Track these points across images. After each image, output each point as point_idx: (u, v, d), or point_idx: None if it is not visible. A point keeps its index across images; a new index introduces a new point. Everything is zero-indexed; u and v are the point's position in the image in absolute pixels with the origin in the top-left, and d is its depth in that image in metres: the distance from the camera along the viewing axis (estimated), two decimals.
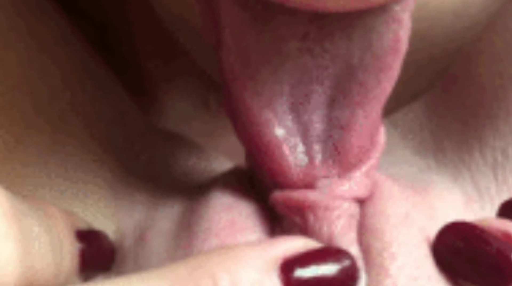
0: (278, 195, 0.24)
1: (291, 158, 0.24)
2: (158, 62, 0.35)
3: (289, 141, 0.24)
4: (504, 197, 0.25)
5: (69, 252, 0.23)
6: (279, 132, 0.23)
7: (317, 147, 0.24)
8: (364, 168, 0.24)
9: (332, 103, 0.24)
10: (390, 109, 0.28)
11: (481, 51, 0.28)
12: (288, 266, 0.20)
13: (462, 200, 0.26)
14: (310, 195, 0.23)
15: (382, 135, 0.25)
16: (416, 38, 0.24)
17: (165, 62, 0.35)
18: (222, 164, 0.29)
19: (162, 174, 0.29)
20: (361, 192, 0.24)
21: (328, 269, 0.21)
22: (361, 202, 0.24)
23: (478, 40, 0.29)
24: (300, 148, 0.24)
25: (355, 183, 0.24)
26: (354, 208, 0.24)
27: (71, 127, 0.28)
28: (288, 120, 0.24)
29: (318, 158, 0.24)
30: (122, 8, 0.35)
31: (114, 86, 0.31)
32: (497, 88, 0.27)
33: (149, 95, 0.35)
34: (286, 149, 0.24)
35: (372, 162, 0.24)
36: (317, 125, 0.24)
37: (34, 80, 0.28)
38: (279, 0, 0.20)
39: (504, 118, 0.27)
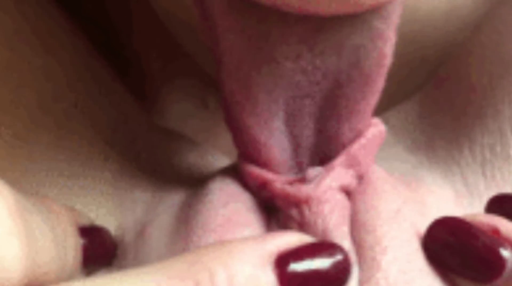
0: (271, 188, 0.24)
1: (284, 171, 0.24)
2: (159, 63, 0.35)
3: (282, 155, 0.24)
4: (492, 193, 0.25)
5: (72, 247, 0.23)
6: (274, 148, 0.24)
7: (306, 160, 0.24)
8: (344, 157, 0.24)
9: (321, 116, 0.24)
10: (383, 108, 0.28)
11: (470, 52, 0.28)
12: (282, 261, 0.20)
13: (452, 196, 0.26)
14: (303, 189, 0.24)
15: (370, 129, 0.25)
16: (408, 40, 0.24)
17: (166, 63, 0.35)
18: (220, 161, 0.29)
19: (162, 171, 0.29)
20: (348, 180, 0.24)
21: (321, 263, 0.21)
22: (351, 194, 0.24)
23: (467, 41, 0.29)
24: (292, 162, 0.25)
25: (338, 173, 0.24)
26: (345, 201, 0.24)
27: (75, 126, 0.28)
28: (283, 135, 0.24)
29: (306, 167, 0.25)
30: (125, 12, 0.35)
31: (117, 86, 0.31)
32: (486, 87, 0.27)
33: (150, 95, 0.35)
34: (280, 163, 0.24)
35: (353, 149, 0.25)
36: (308, 139, 0.24)
37: (39, 80, 0.28)
38: (273, 3, 0.20)
39: (492, 117, 0.27)
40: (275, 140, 0.24)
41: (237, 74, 0.23)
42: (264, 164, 0.24)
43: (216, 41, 0.23)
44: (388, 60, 0.23)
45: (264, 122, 0.23)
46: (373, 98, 0.24)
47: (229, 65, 0.23)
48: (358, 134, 0.24)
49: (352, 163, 0.24)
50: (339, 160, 0.24)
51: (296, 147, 0.24)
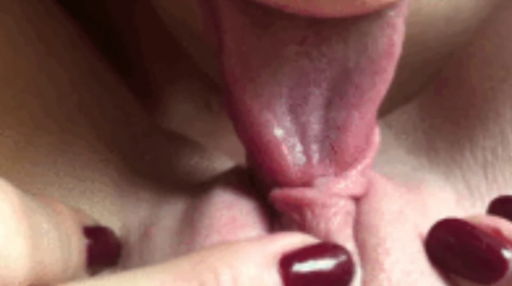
0: (277, 193, 0.24)
1: (289, 158, 0.24)
2: (162, 65, 0.35)
3: (287, 141, 0.24)
4: (494, 195, 0.25)
5: (76, 247, 0.23)
6: (278, 132, 0.23)
7: (314, 147, 0.24)
8: (359, 167, 0.24)
9: (329, 104, 0.24)
10: (385, 110, 0.28)
11: (472, 55, 0.28)
12: (286, 261, 0.20)
13: (454, 198, 0.26)
14: (308, 193, 0.23)
15: (376, 135, 0.25)
16: (409, 42, 0.24)
17: (168, 65, 0.35)
18: (223, 163, 0.29)
19: (166, 173, 0.28)
20: (357, 190, 0.24)
21: (325, 264, 0.21)
22: (357, 199, 0.24)
23: (469, 44, 0.29)
24: (298, 148, 0.24)
25: (351, 182, 0.24)
26: (350, 206, 0.24)
27: (78, 128, 0.28)
28: (287, 121, 0.24)
29: (316, 157, 0.24)
30: (128, 14, 0.35)
31: (120, 88, 0.31)
32: (487, 90, 0.27)
33: (153, 97, 0.35)
34: (284, 149, 0.24)
35: (367, 161, 0.24)
36: (315, 126, 0.24)
37: (43, 83, 0.28)
38: (278, 5, 0.20)
39: (494, 119, 0.27)
40: (278, 123, 0.23)
41: (238, 52, 0.23)
42: (266, 150, 0.24)
43: (219, 21, 0.23)
44: (397, 49, 0.23)
45: (266, 104, 0.23)
46: (383, 87, 0.23)
47: (230, 42, 0.23)
48: (368, 123, 0.24)
49: (366, 173, 0.24)
50: (355, 170, 0.24)
51: (302, 134, 0.24)
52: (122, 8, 0.35)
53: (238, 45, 0.23)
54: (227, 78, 0.23)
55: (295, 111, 0.24)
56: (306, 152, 0.24)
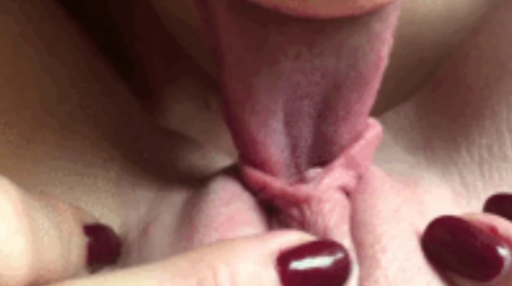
0: (275, 189, 0.24)
1: (281, 172, 0.24)
2: (162, 65, 0.35)
3: (281, 155, 0.24)
4: (490, 192, 0.25)
5: (77, 245, 0.23)
6: (272, 147, 0.24)
7: (304, 161, 0.24)
8: (343, 159, 0.24)
9: (319, 117, 0.24)
10: (382, 109, 0.28)
11: (468, 54, 0.28)
12: (284, 259, 0.20)
13: (450, 196, 0.26)
14: (303, 188, 0.23)
15: (369, 129, 0.25)
16: (406, 42, 0.24)
17: (168, 65, 0.35)
18: (221, 161, 0.29)
19: (165, 171, 0.28)
20: (348, 180, 0.24)
21: (322, 261, 0.21)
22: (352, 196, 0.24)
23: (465, 43, 0.29)
24: (291, 162, 0.24)
25: (338, 173, 0.24)
26: (345, 200, 0.24)
27: (79, 127, 0.28)
28: (282, 135, 0.24)
29: (306, 170, 0.24)
30: (128, 14, 0.35)
31: (120, 87, 0.31)
32: (483, 89, 0.27)
33: (153, 96, 0.35)
34: (278, 165, 0.24)
35: (351, 152, 0.24)
36: (307, 140, 0.24)
37: (44, 82, 0.28)
38: (273, 6, 0.20)
39: (490, 118, 0.27)
40: (274, 140, 0.24)
41: (237, 73, 0.23)
42: (262, 163, 0.24)
43: (217, 41, 0.23)
44: (384, 62, 0.23)
45: (263, 122, 0.23)
46: (369, 99, 0.23)
47: (230, 65, 0.23)
48: (356, 135, 0.24)
49: (351, 164, 0.24)
50: (339, 161, 0.24)
51: (294, 147, 0.24)
52: (123, 9, 0.35)
53: (238, 68, 0.23)
54: (227, 96, 0.24)
55: (289, 124, 0.24)
56: (297, 166, 0.24)
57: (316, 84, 0.23)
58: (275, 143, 0.24)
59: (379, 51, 0.22)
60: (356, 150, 0.24)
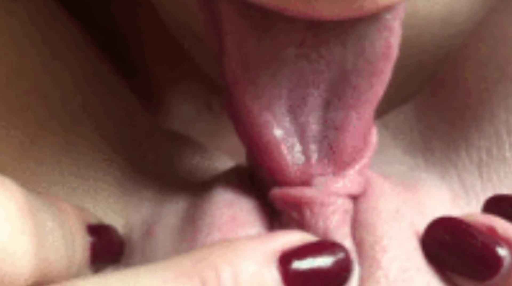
0: (277, 191, 0.24)
1: (288, 158, 0.24)
2: (164, 67, 0.35)
3: (287, 141, 0.24)
4: (489, 193, 0.25)
5: (80, 245, 0.23)
6: (278, 132, 0.23)
7: (313, 147, 0.24)
8: (357, 167, 0.24)
9: (327, 105, 0.24)
10: (382, 111, 0.28)
11: (467, 57, 0.28)
12: (286, 259, 0.21)
13: (449, 197, 0.26)
14: (307, 192, 0.23)
15: (374, 136, 0.25)
16: (406, 44, 0.24)
17: (170, 67, 0.35)
18: (224, 162, 0.29)
19: (168, 172, 0.28)
20: (355, 189, 0.24)
21: (323, 261, 0.21)
22: (355, 198, 0.24)
23: (464, 46, 0.29)
24: (297, 147, 0.24)
25: (349, 181, 0.24)
26: (348, 204, 0.24)
27: (82, 128, 0.28)
28: (286, 121, 0.24)
29: (314, 157, 0.24)
30: (130, 17, 0.35)
31: (123, 89, 0.31)
32: (482, 91, 0.27)
33: (155, 98, 0.35)
34: (284, 149, 0.24)
35: (364, 160, 0.24)
36: (313, 126, 0.24)
37: (47, 84, 0.28)
38: (278, 8, 0.20)
39: (488, 120, 0.27)
40: (277, 123, 0.23)
41: (238, 54, 0.23)
42: (267, 150, 0.24)
43: (219, 24, 0.23)
44: (394, 51, 0.23)
45: (266, 105, 0.23)
46: (381, 88, 0.23)
47: (231, 45, 0.23)
48: (366, 124, 0.24)
49: (364, 172, 0.24)
50: (354, 170, 0.24)
51: (301, 134, 0.24)
52: (125, 11, 0.35)
53: (238, 48, 0.23)
54: (228, 79, 0.23)
55: (294, 111, 0.24)
56: (305, 152, 0.24)
57: (321, 72, 0.23)
58: (278, 127, 0.23)
59: (388, 40, 0.22)
60: (369, 157, 0.24)
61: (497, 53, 0.27)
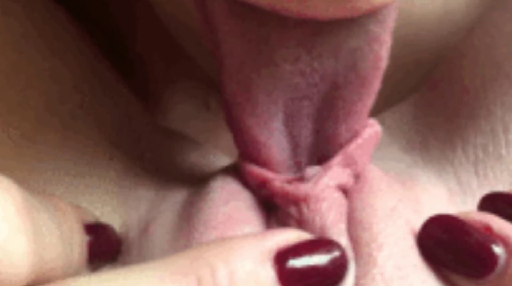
0: (270, 186, 0.24)
1: (282, 171, 0.24)
2: (162, 65, 0.35)
3: (282, 155, 0.24)
4: (485, 191, 0.25)
5: (78, 244, 0.23)
6: (273, 147, 0.24)
7: (305, 159, 0.24)
8: (340, 158, 0.24)
9: (319, 117, 0.24)
10: (379, 109, 0.28)
11: (463, 55, 0.28)
12: (281, 257, 0.20)
13: (446, 194, 0.26)
14: (301, 187, 0.24)
15: (365, 128, 0.25)
16: (403, 43, 0.24)
17: (168, 66, 0.35)
18: (221, 160, 0.29)
19: (165, 170, 0.28)
20: (345, 180, 0.24)
21: (319, 259, 0.21)
22: (349, 194, 0.24)
23: (460, 44, 0.29)
24: (291, 161, 0.24)
25: (335, 172, 0.24)
26: (342, 199, 0.24)
27: (81, 126, 0.28)
28: (282, 136, 0.24)
29: (305, 167, 0.25)
30: (129, 16, 0.35)
31: (121, 88, 0.31)
32: (479, 89, 0.27)
33: (153, 96, 0.35)
34: (280, 165, 0.24)
35: (348, 151, 0.24)
36: (306, 139, 0.24)
37: (46, 82, 0.28)
38: (272, 8, 0.20)
39: (485, 118, 0.27)
40: (274, 140, 0.24)
41: (237, 76, 0.23)
42: (263, 163, 0.24)
43: (218, 44, 0.23)
44: (383, 63, 0.23)
45: (264, 123, 0.23)
46: (369, 99, 0.24)
47: (230, 67, 0.23)
48: (355, 134, 0.24)
49: (349, 163, 0.24)
50: (337, 160, 0.24)
51: (294, 147, 0.24)
52: (124, 10, 0.35)
53: (238, 70, 0.23)
54: (228, 98, 0.24)
55: (289, 125, 0.24)
56: (298, 165, 0.24)
57: (315, 85, 0.23)
58: (275, 143, 0.24)
59: (378, 53, 0.22)
60: (353, 148, 0.24)
61: (494, 50, 0.27)
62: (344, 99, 0.23)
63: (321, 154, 0.25)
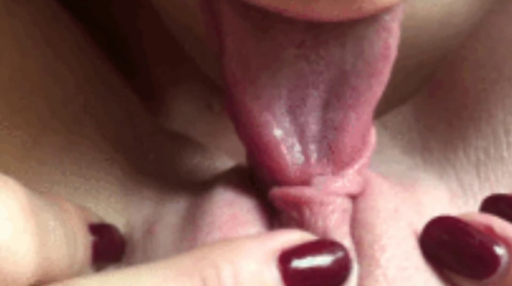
0: (276, 191, 0.24)
1: (288, 157, 0.24)
2: (165, 67, 0.35)
3: (286, 141, 0.24)
4: (486, 193, 0.25)
5: (82, 244, 0.23)
6: (277, 132, 0.23)
7: (312, 147, 0.24)
8: (356, 166, 0.24)
9: (327, 106, 0.24)
10: (380, 112, 0.28)
11: (465, 58, 0.28)
12: (285, 257, 0.20)
13: (447, 196, 0.26)
14: (306, 191, 0.23)
15: (373, 136, 0.25)
16: (404, 45, 0.24)
17: (171, 68, 0.35)
18: (224, 162, 0.29)
19: (168, 172, 0.28)
20: (354, 189, 0.24)
21: (323, 260, 0.21)
22: (354, 198, 0.24)
23: (462, 47, 0.29)
24: (297, 147, 0.24)
25: (348, 180, 0.24)
26: (347, 204, 0.24)
27: (84, 128, 0.28)
28: (286, 121, 0.24)
29: (314, 157, 0.24)
30: (132, 18, 0.35)
31: (124, 90, 0.31)
32: (480, 92, 0.27)
33: (156, 98, 0.35)
34: (283, 149, 0.24)
35: (363, 160, 0.24)
36: (313, 126, 0.24)
37: (50, 85, 0.28)
38: (277, 10, 0.20)
39: (486, 120, 0.27)
40: (278, 125, 0.23)
41: (239, 55, 0.23)
42: (267, 149, 0.24)
43: (220, 26, 0.23)
44: (392, 52, 0.23)
45: (266, 105, 0.23)
46: (379, 89, 0.23)
47: (231, 46, 0.23)
48: (364, 124, 0.24)
49: (362, 172, 0.24)
50: (353, 169, 0.24)
51: (301, 134, 0.24)
52: (127, 13, 0.35)
53: (238, 48, 0.23)
54: (228, 80, 0.23)
55: (294, 112, 0.24)
56: (305, 151, 0.24)
57: (320, 73, 0.23)
58: (278, 127, 0.23)
59: (386, 40, 0.22)
60: (368, 156, 0.24)
61: (495, 53, 0.27)
62: (352, 88, 0.23)
63: (330, 143, 0.24)
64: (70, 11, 0.31)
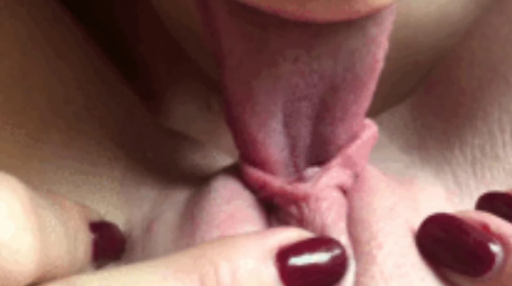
0: (270, 188, 0.24)
1: (280, 172, 0.24)
2: (165, 67, 0.35)
3: (280, 155, 0.24)
4: (482, 191, 0.25)
5: (83, 242, 0.23)
6: (272, 147, 0.24)
7: (303, 160, 0.24)
8: (340, 158, 0.24)
9: (317, 118, 0.24)
10: (377, 110, 0.28)
11: (461, 57, 0.28)
12: (283, 255, 0.20)
13: (444, 194, 0.26)
14: (301, 187, 0.23)
15: (364, 129, 0.25)
16: (401, 45, 0.24)
17: (171, 68, 0.35)
18: (222, 160, 0.29)
19: (168, 170, 0.28)
20: (344, 180, 0.24)
21: (320, 257, 0.21)
22: (349, 194, 0.24)
23: (458, 46, 0.29)
24: (289, 161, 0.24)
25: (335, 172, 0.24)
26: (342, 199, 0.24)
27: (85, 127, 0.28)
28: (281, 136, 0.24)
29: (304, 169, 0.24)
30: (132, 18, 0.35)
31: (125, 89, 0.31)
32: (476, 90, 0.27)
33: (156, 97, 0.35)
34: (278, 164, 0.24)
35: (348, 152, 0.24)
36: (305, 140, 0.24)
37: (51, 84, 0.28)
38: (271, 9, 0.20)
39: (482, 118, 0.26)
40: (273, 140, 0.24)
41: (238, 76, 0.23)
42: (262, 163, 0.24)
43: (218, 45, 0.23)
44: (380, 65, 0.23)
45: (263, 123, 0.23)
46: (366, 100, 0.24)
47: (230, 67, 0.23)
48: (352, 135, 0.24)
49: (348, 163, 0.24)
50: (336, 161, 0.24)
51: (293, 147, 0.24)
52: (127, 13, 0.35)
53: (238, 70, 0.23)
54: (228, 98, 0.24)
55: (288, 125, 0.24)
56: (296, 166, 0.24)
57: (314, 86, 0.23)
58: (274, 143, 0.24)
59: (375, 54, 0.22)
60: (352, 149, 0.24)
61: (490, 52, 0.27)
62: (341, 100, 0.23)
63: (319, 155, 0.25)
64: (71, 11, 0.30)
